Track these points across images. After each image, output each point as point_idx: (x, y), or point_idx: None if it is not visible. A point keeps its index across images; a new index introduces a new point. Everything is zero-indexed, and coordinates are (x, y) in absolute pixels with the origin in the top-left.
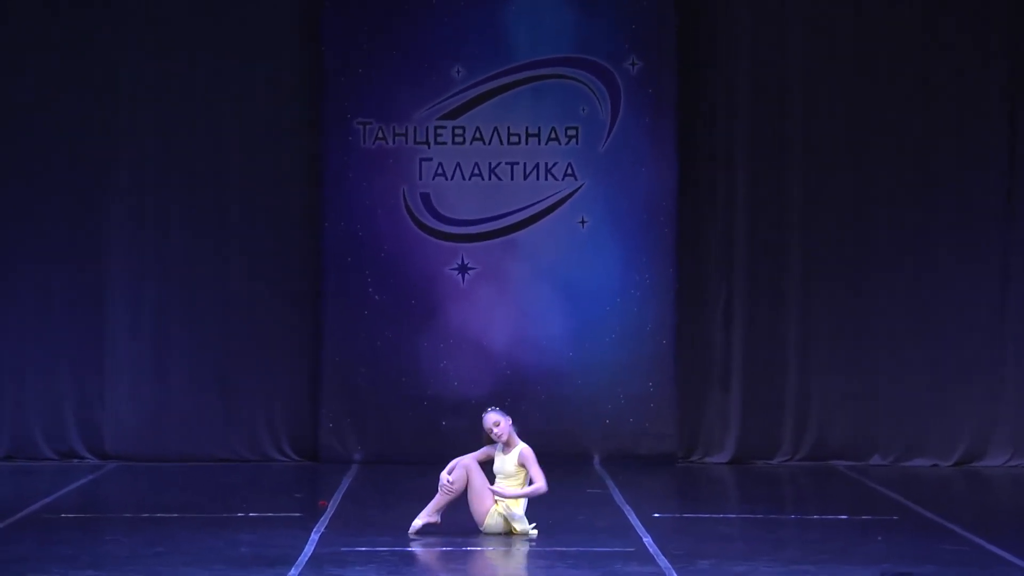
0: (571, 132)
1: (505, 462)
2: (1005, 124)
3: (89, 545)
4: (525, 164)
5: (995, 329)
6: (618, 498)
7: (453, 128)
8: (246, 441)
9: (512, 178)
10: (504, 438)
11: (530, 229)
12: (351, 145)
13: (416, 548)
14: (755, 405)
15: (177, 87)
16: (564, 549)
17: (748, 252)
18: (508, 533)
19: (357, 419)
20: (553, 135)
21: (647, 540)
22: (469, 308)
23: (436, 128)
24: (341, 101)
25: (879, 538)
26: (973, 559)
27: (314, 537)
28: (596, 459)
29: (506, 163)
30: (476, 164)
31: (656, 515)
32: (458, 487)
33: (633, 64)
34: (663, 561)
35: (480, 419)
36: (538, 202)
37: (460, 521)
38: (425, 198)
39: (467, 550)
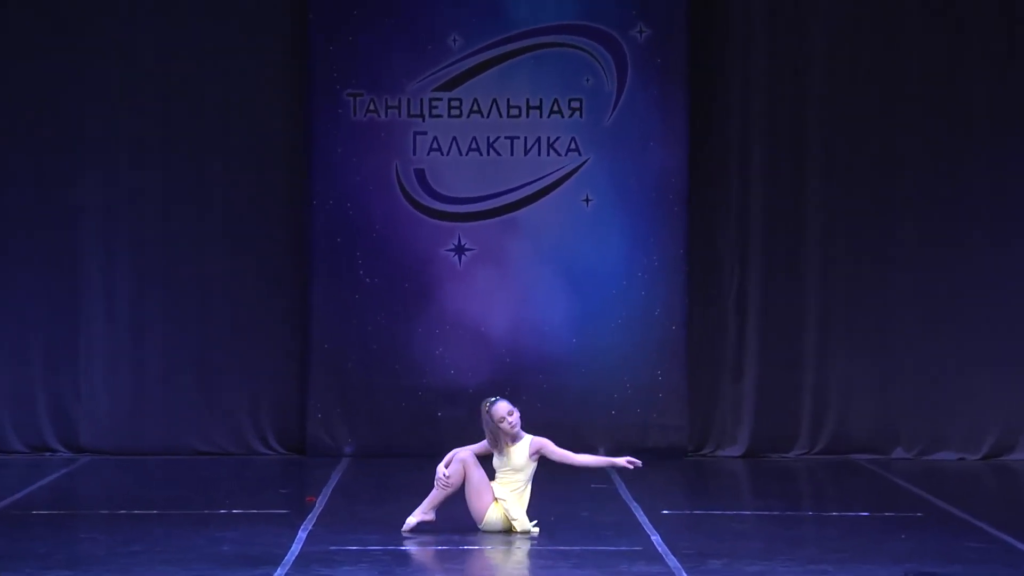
0: (575, 104)
1: (512, 455)
2: None
3: (63, 543)
4: (526, 138)
5: None
6: (624, 494)
7: (449, 100)
8: (229, 433)
9: (512, 153)
10: (517, 429)
11: (531, 208)
12: (340, 118)
13: (410, 547)
14: (770, 395)
15: (153, 57)
16: (567, 548)
17: (764, 233)
18: (508, 531)
19: (347, 409)
20: (556, 107)
21: (655, 538)
22: (466, 292)
23: (431, 100)
24: (329, 71)
25: (902, 536)
26: (1002, 558)
27: (301, 535)
28: (601, 452)
29: (505, 137)
30: (474, 138)
31: (665, 512)
32: (455, 482)
33: (641, 32)
34: (672, 561)
35: (479, 410)
36: (540, 179)
37: (457, 518)
38: (419, 174)
39: (464, 549)
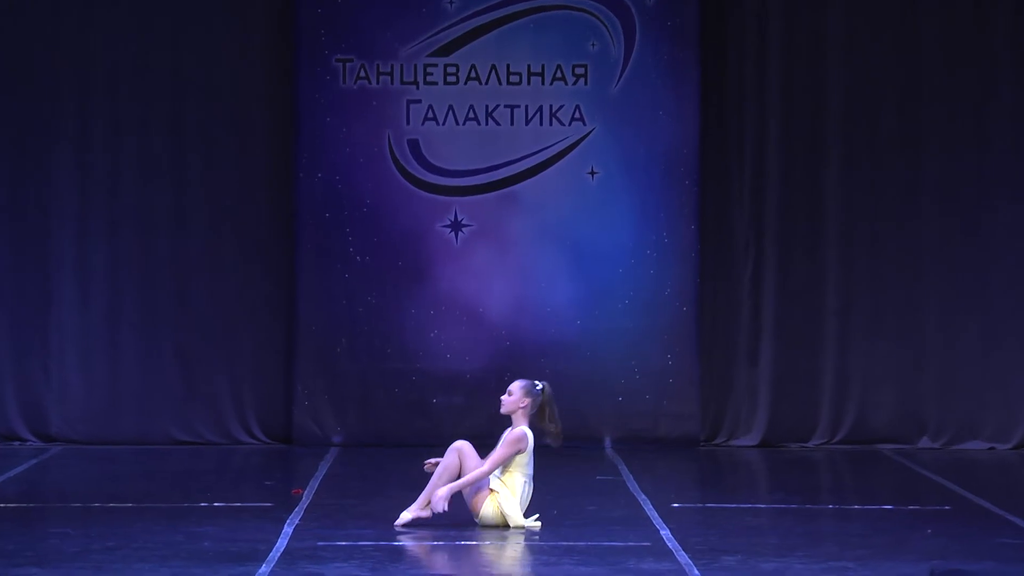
0: (579, 71)
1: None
2: None
3: (32, 539)
4: (527, 107)
5: None
6: (632, 486)
7: (445, 66)
8: (209, 421)
9: (512, 123)
10: (505, 410)
11: (532, 181)
12: (329, 86)
13: (404, 542)
14: (788, 381)
15: (129, 19)
16: (571, 543)
17: (781, 208)
18: (507, 525)
19: (335, 396)
20: (559, 74)
21: (665, 533)
22: (463, 270)
23: (426, 66)
24: (317, 35)
25: (928, 531)
26: None
27: (287, 530)
28: (607, 442)
29: (505, 106)
30: (471, 107)
31: (675, 505)
32: (450, 472)
33: None
34: (683, 556)
35: (476, 397)
36: (542, 150)
37: (453, 513)
38: (413, 145)
39: (460, 544)
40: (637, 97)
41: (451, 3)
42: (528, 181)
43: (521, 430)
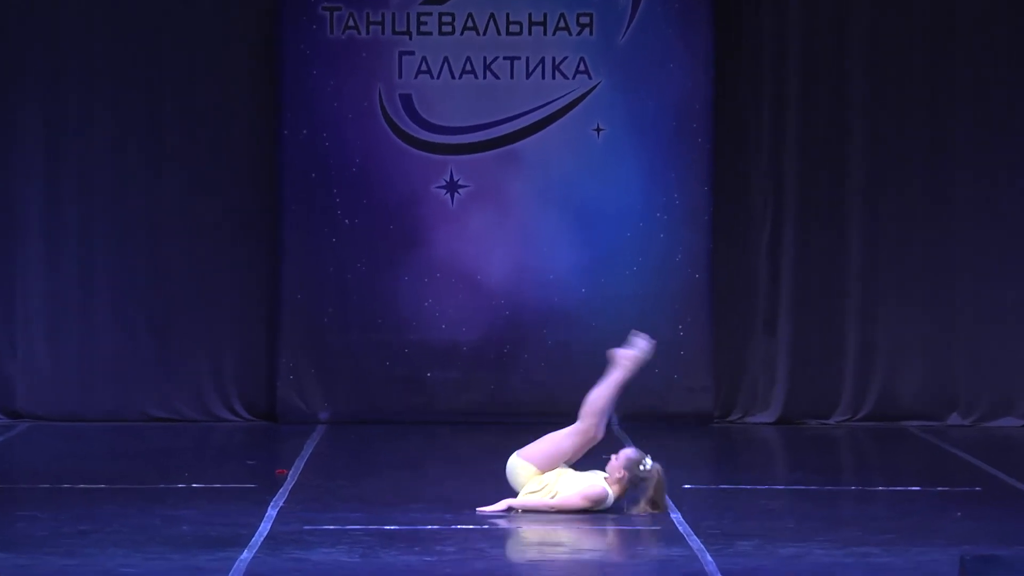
0: (584, 20)
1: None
2: None
3: None
4: (528, 59)
5: None
6: None
7: (440, 15)
8: (188, 397)
9: (512, 76)
10: (607, 473)
11: (534, 139)
12: (315, 36)
13: (395, 526)
14: (807, 353)
15: None
16: (577, 526)
17: (800, 168)
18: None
19: (322, 370)
20: (562, 23)
21: (676, 516)
22: (459, 235)
23: (419, 15)
24: None
25: (958, 513)
26: None
27: (271, 513)
28: (615, 418)
29: (504, 58)
30: (468, 59)
31: (687, 486)
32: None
33: None
34: (695, 541)
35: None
36: (544, 105)
37: (448, 495)
38: (406, 100)
39: (456, 528)
40: (646, 48)
41: None
42: (529, 139)
43: (604, 490)
